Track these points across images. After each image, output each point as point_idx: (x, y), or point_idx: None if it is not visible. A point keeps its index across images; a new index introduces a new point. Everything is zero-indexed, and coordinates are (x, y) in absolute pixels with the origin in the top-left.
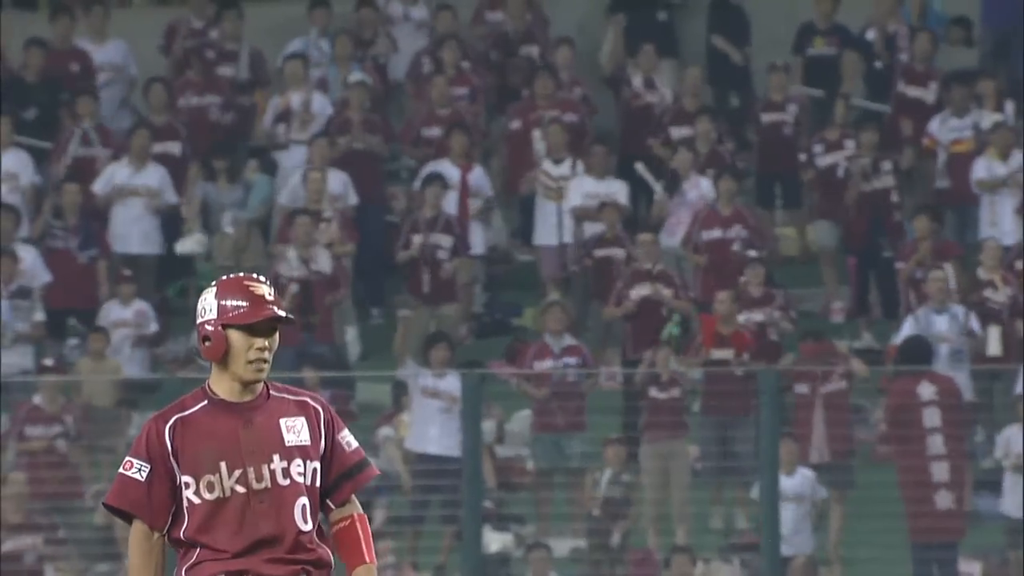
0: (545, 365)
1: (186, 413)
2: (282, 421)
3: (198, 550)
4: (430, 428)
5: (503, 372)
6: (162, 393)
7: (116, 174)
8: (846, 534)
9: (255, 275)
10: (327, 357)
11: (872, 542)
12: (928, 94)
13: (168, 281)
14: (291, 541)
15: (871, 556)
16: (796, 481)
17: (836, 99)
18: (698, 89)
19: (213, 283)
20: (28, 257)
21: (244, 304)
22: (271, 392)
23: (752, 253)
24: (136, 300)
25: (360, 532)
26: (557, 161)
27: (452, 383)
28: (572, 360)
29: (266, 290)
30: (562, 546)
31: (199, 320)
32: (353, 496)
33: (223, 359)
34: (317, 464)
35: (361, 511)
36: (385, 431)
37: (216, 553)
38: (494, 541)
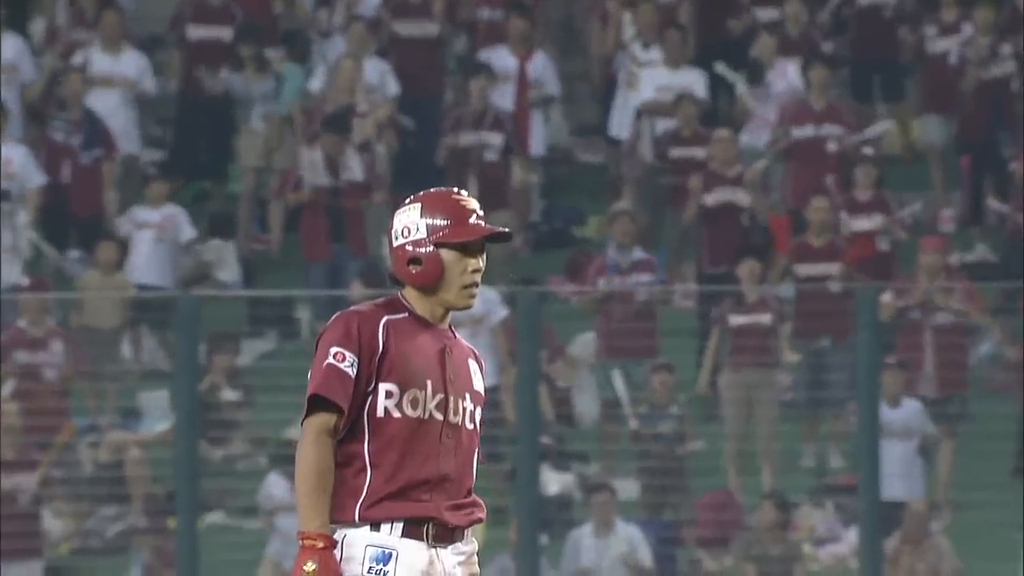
0: (612, 281)
1: (395, 317)
2: (470, 362)
3: (369, 475)
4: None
5: (563, 290)
6: (176, 314)
7: (91, 61)
8: (956, 475)
9: (456, 188)
10: (364, 273)
11: (986, 483)
12: None
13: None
14: (467, 488)
15: (984, 499)
16: (901, 413)
17: None
18: None
19: (411, 198)
20: (16, 158)
21: (456, 221)
22: (454, 331)
23: (867, 150)
24: (168, 203)
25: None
26: (646, 45)
27: (491, 303)
28: (642, 276)
29: (475, 203)
30: (629, 488)
31: (400, 241)
32: None
33: (434, 284)
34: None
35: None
36: None
37: (392, 481)
38: (553, 482)
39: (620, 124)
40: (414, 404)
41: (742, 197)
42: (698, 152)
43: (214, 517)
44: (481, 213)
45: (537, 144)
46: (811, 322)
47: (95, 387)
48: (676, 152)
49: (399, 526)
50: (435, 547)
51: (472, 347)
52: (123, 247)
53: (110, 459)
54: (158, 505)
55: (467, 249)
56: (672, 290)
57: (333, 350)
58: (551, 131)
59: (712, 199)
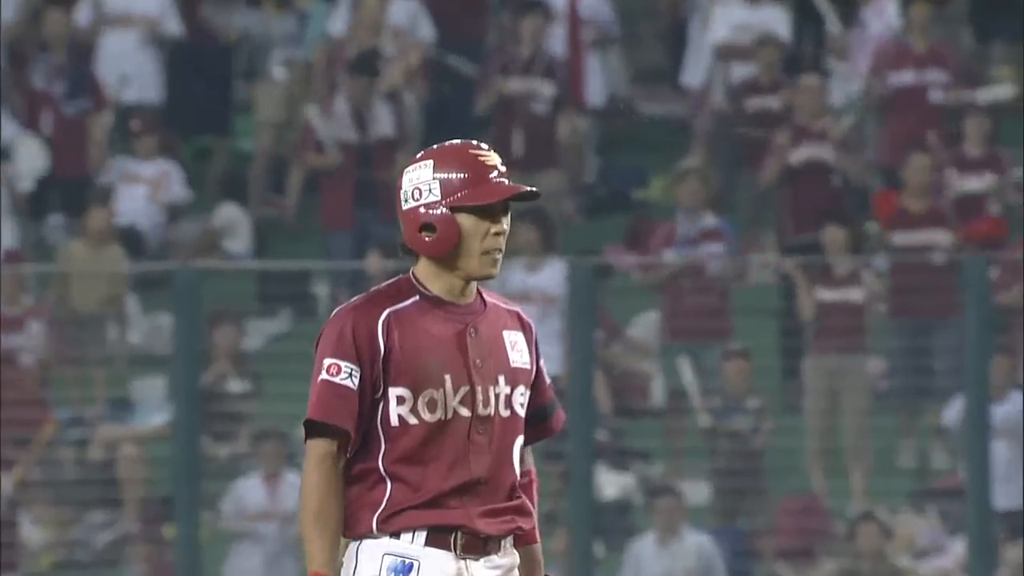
0: (678, 251)
1: (399, 307)
2: (505, 334)
3: (389, 487)
4: None
5: (622, 262)
6: (172, 290)
7: None
8: None
9: (475, 141)
10: (384, 243)
11: None
12: None
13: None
14: (506, 489)
15: None
16: (1007, 409)
17: None
18: None
19: (421, 153)
20: None
21: (474, 178)
22: (485, 297)
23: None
24: (159, 158)
25: (534, 499)
26: None
27: (553, 277)
28: (714, 246)
29: (496, 158)
30: (698, 491)
31: (411, 204)
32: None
33: (452, 252)
34: (529, 394)
35: (534, 464)
36: None
37: (416, 493)
38: (610, 484)
39: (689, 70)
40: (431, 407)
41: (830, 154)
42: (780, 102)
43: (218, 523)
44: (503, 169)
45: (593, 93)
46: (910, 299)
47: (80, 374)
48: (754, 102)
49: (422, 535)
50: (464, 558)
51: (515, 310)
52: (111, 213)
53: (98, 458)
54: (154, 510)
55: (488, 211)
56: (748, 262)
57: (327, 363)
58: (609, 78)
59: (795, 157)
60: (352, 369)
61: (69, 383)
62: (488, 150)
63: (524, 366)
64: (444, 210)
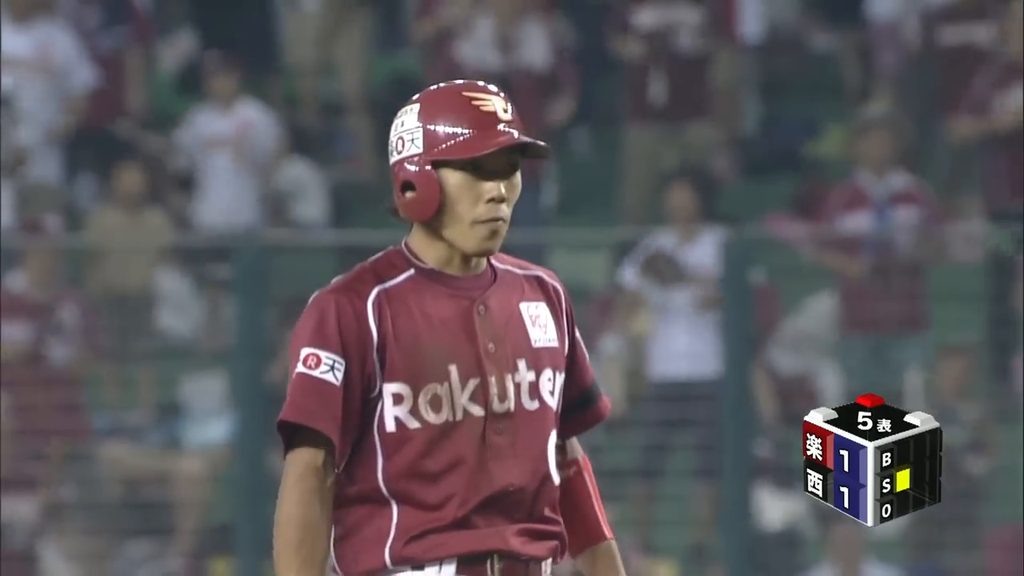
0: (860, 220)
1: (389, 285)
2: (523, 308)
3: (395, 512)
4: (669, 330)
5: (789, 233)
6: (236, 267)
7: None
8: None
9: (479, 82)
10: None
11: None
12: None
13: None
14: (542, 499)
15: None
16: None
17: None
18: None
19: (414, 97)
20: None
21: (466, 129)
22: (494, 264)
23: None
24: (241, 104)
25: (592, 489)
26: None
27: (706, 251)
28: (905, 213)
29: (498, 104)
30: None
31: (394, 157)
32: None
33: (435, 217)
34: (563, 377)
35: (583, 452)
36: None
37: (432, 515)
38: (773, 509)
39: None
40: (435, 405)
41: None
42: (985, 33)
43: None
44: (509, 116)
45: (751, 25)
46: None
47: (120, 373)
48: (953, 34)
49: (451, 566)
50: None
51: (536, 274)
52: (154, 173)
53: (141, 476)
54: (208, 542)
55: (481, 168)
56: (948, 234)
57: (304, 352)
58: (772, 7)
59: (1006, 102)
60: (335, 361)
61: (107, 383)
62: (492, 93)
63: (550, 344)
64: (426, 166)
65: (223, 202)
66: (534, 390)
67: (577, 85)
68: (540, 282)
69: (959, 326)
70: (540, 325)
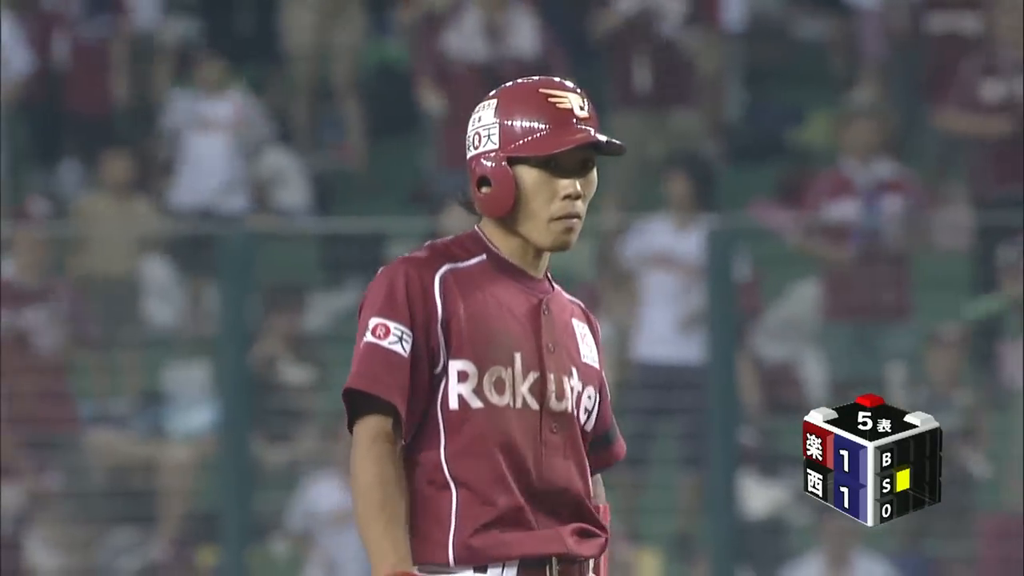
0: (845, 208)
1: (460, 266)
2: (575, 324)
3: (455, 496)
4: (656, 315)
5: (773, 220)
6: (220, 255)
7: None
8: None
9: (556, 78)
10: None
11: None
12: None
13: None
14: (587, 503)
15: None
16: None
17: None
18: None
19: (492, 93)
20: None
21: (542, 125)
22: (550, 276)
23: None
24: (232, 90)
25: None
26: None
27: (691, 240)
28: (890, 201)
29: (575, 101)
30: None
31: (471, 152)
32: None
33: (511, 213)
34: (598, 401)
35: (606, 501)
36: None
37: (488, 507)
38: (758, 497)
39: None
40: (499, 387)
41: None
42: (973, 21)
43: (274, 544)
44: (585, 114)
45: (734, 11)
46: None
47: (105, 360)
48: (940, 21)
49: (513, 568)
50: None
51: (578, 302)
52: (143, 159)
53: (126, 463)
54: (193, 530)
55: (557, 165)
56: (933, 221)
57: (373, 322)
58: None
59: (992, 91)
60: (403, 332)
61: (92, 371)
62: (569, 90)
63: (594, 364)
64: (502, 162)
65: (208, 189)
66: (579, 400)
67: (565, 73)
68: (583, 309)
69: (943, 314)
70: (587, 344)
